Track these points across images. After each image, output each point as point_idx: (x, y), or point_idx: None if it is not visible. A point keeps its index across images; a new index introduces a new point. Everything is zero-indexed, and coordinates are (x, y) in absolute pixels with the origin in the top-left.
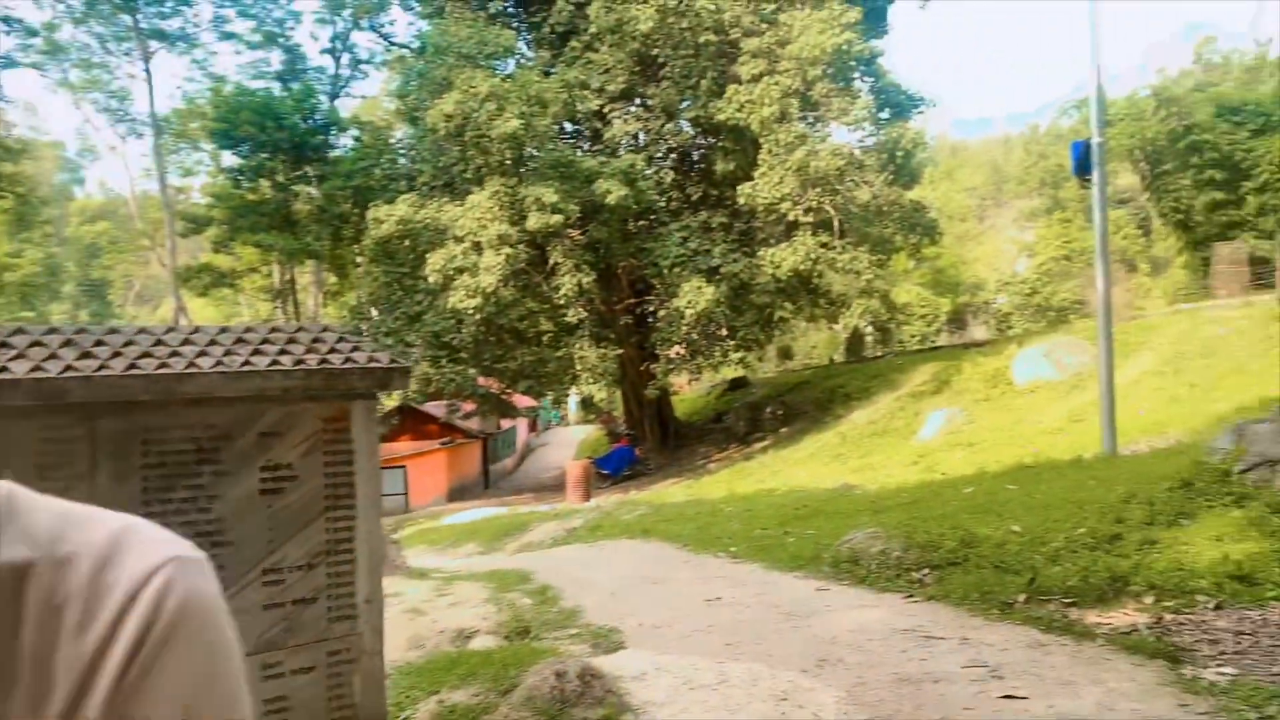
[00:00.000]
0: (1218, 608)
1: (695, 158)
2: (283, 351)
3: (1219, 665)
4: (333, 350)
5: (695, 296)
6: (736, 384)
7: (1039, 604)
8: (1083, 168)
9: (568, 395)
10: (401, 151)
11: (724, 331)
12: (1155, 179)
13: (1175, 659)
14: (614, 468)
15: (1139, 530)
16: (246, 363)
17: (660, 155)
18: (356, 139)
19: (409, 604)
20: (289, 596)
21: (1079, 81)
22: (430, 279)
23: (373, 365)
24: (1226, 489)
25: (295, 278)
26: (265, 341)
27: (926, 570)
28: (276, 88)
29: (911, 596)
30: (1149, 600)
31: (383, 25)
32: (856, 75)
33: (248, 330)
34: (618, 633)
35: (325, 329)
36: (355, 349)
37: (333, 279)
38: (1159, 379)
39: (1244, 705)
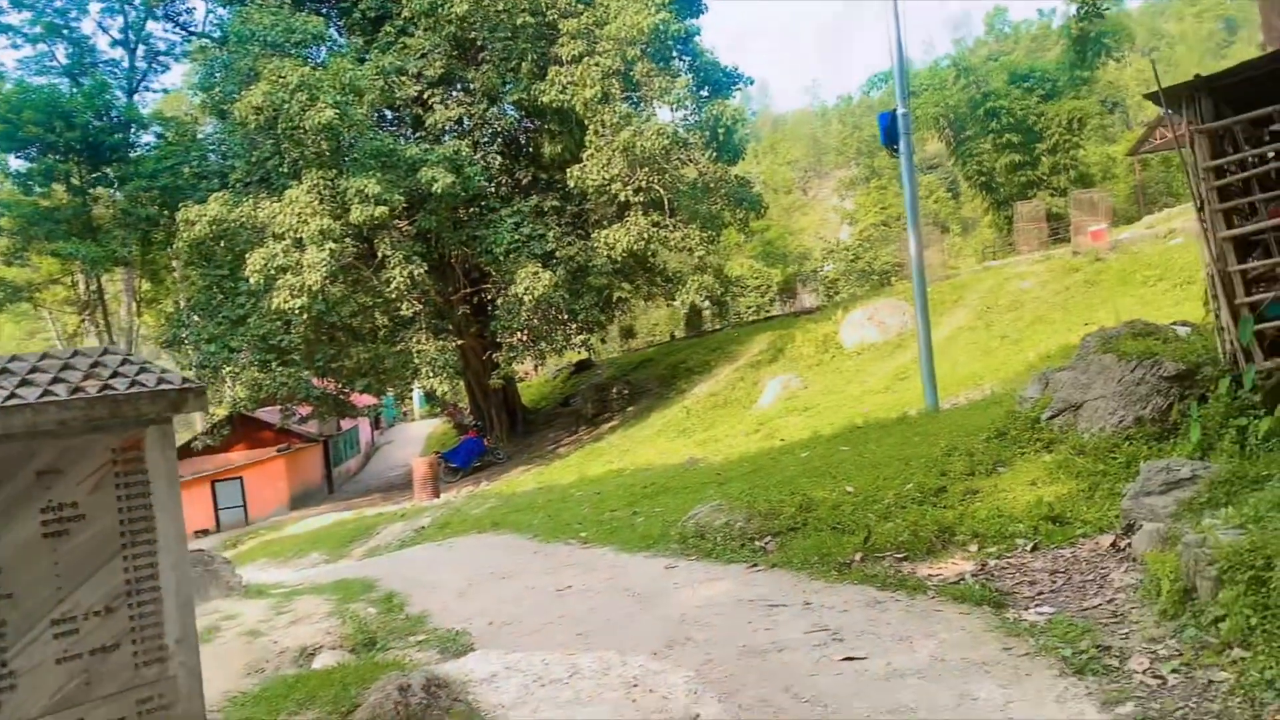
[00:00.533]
0: (1034, 549)
1: (522, 141)
2: (56, 380)
3: (1037, 606)
4: (116, 375)
5: (533, 282)
6: (582, 366)
7: (874, 561)
8: (890, 138)
9: (410, 390)
10: (211, 147)
11: (564, 315)
12: (959, 144)
13: (999, 604)
14: (462, 460)
15: (961, 481)
16: (12, 396)
17: (486, 140)
18: (160, 136)
19: (246, 626)
20: (86, 646)
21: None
22: (251, 280)
23: (163, 388)
24: (1036, 435)
25: (103, 287)
26: (34, 371)
27: (769, 538)
28: (65, 84)
29: (756, 565)
30: (974, 548)
31: (179, 14)
32: (675, 55)
33: (13, 360)
34: (466, 635)
35: (106, 351)
36: (142, 371)
37: (146, 286)
38: (972, 334)
39: (1060, 642)
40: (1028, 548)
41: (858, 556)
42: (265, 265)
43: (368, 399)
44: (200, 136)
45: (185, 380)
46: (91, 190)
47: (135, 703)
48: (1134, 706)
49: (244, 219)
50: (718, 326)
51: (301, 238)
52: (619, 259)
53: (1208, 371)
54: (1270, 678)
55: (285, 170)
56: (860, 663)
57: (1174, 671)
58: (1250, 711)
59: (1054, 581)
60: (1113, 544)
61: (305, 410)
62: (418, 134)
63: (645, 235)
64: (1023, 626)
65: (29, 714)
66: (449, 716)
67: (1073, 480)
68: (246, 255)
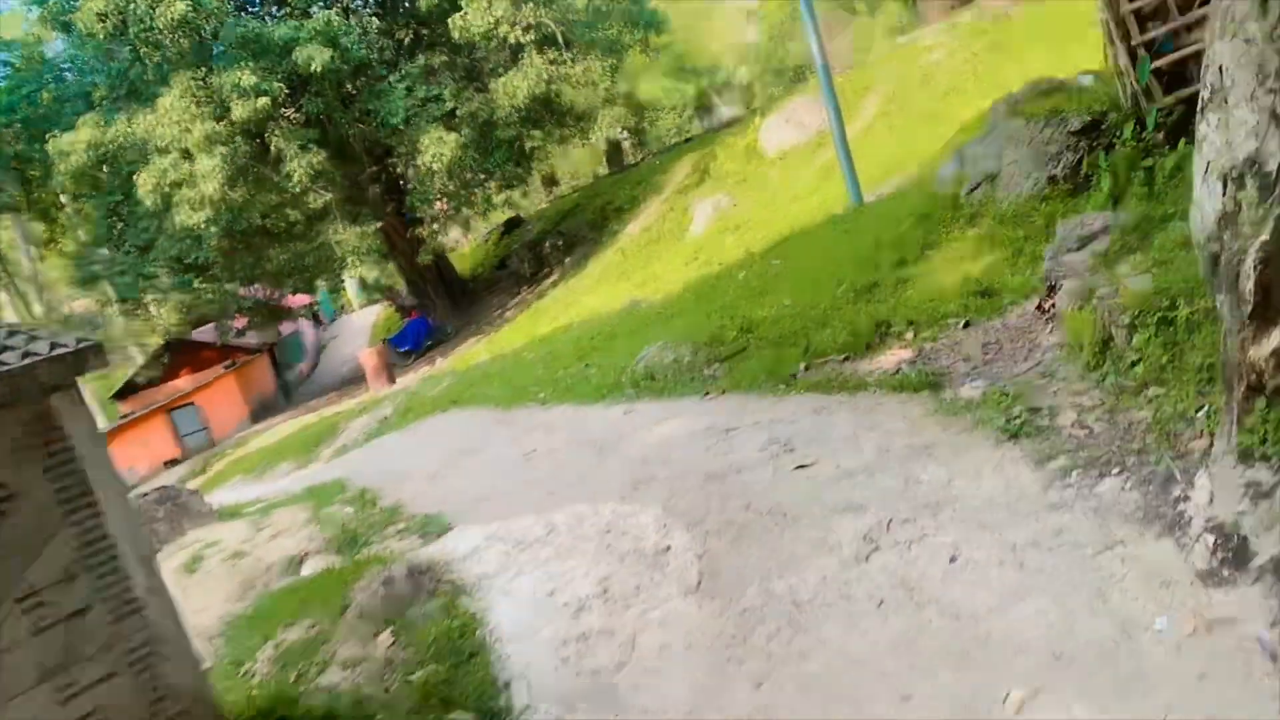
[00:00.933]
0: (966, 326)
1: None
2: None
3: (971, 381)
4: (6, 349)
5: (439, 148)
6: (511, 225)
7: (817, 369)
8: None
9: (342, 283)
10: (64, 66)
11: (480, 176)
12: None
13: (937, 386)
14: (412, 343)
15: (893, 272)
16: None
17: (359, 4)
18: (4, 64)
19: (228, 549)
20: (58, 614)
21: None
22: (147, 201)
23: (59, 353)
24: (958, 213)
25: None
26: None
27: (716, 365)
28: None
29: (707, 394)
30: (910, 336)
31: None
32: None
33: None
34: (442, 517)
35: None
36: (33, 340)
37: (41, 228)
38: (887, 119)
39: (994, 412)
40: (960, 326)
41: (802, 367)
42: (158, 183)
43: (302, 299)
44: (50, 56)
45: (81, 340)
46: None
47: (122, 655)
48: (1065, 459)
49: (121, 138)
50: (639, 158)
51: (188, 147)
52: (523, 106)
53: (1113, 119)
54: (1182, 410)
55: (151, 78)
56: (812, 469)
57: (1098, 420)
58: (1167, 444)
59: (986, 354)
60: (1038, 307)
61: (241, 323)
62: (283, 11)
63: (545, 76)
64: (959, 404)
65: (24, 686)
66: (435, 598)
67: (997, 251)
68: (135, 176)
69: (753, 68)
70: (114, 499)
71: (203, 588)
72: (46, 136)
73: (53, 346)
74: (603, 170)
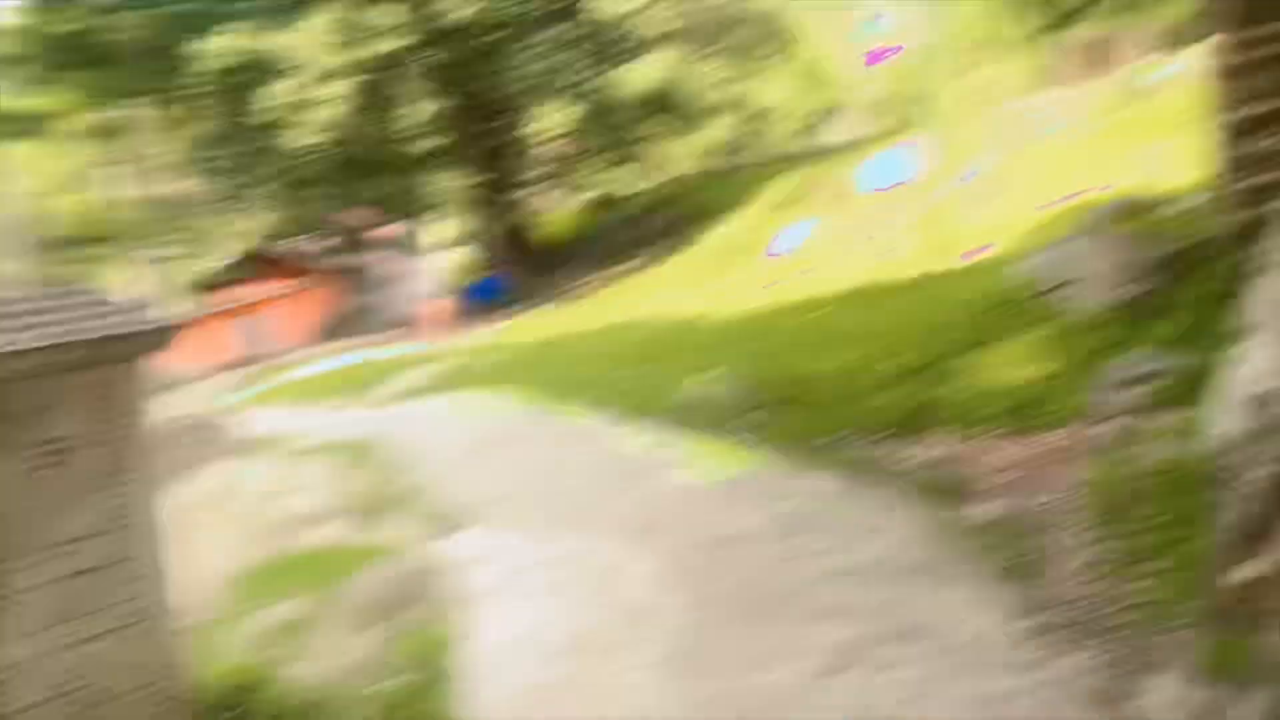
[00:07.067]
0: (1003, 435)
1: None
2: (29, 326)
3: (987, 502)
4: (90, 316)
5: (554, 118)
6: (603, 203)
7: (850, 443)
8: None
9: (429, 225)
10: None
11: (587, 151)
12: None
13: (954, 494)
14: (485, 295)
15: (946, 357)
16: None
17: None
18: None
19: (245, 493)
20: (78, 567)
21: None
22: (268, 115)
23: (138, 329)
24: (1026, 312)
25: (123, 121)
26: (4, 317)
27: (758, 412)
28: None
29: (743, 442)
30: (948, 431)
31: None
32: None
33: None
34: (457, 513)
35: (74, 292)
36: (114, 313)
37: (158, 118)
38: (987, 182)
39: (997, 543)
40: (997, 434)
41: (836, 437)
42: (282, 99)
43: (389, 231)
44: None
45: (158, 322)
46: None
47: (120, 616)
48: (1045, 617)
49: (258, 51)
50: (743, 163)
51: (319, 72)
52: (642, 94)
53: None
54: (1171, 598)
55: None
56: (809, 560)
57: (1093, 582)
58: (1146, 630)
59: (1013, 472)
60: (1081, 434)
61: (325, 244)
62: None
63: (671, 71)
64: (968, 526)
65: (35, 628)
66: (427, 605)
67: (1055, 363)
68: (260, 89)
69: (878, 90)
70: (146, 472)
71: (210, 532)
72: (192, 34)
73: (137, 320)
74: (704, 166)
